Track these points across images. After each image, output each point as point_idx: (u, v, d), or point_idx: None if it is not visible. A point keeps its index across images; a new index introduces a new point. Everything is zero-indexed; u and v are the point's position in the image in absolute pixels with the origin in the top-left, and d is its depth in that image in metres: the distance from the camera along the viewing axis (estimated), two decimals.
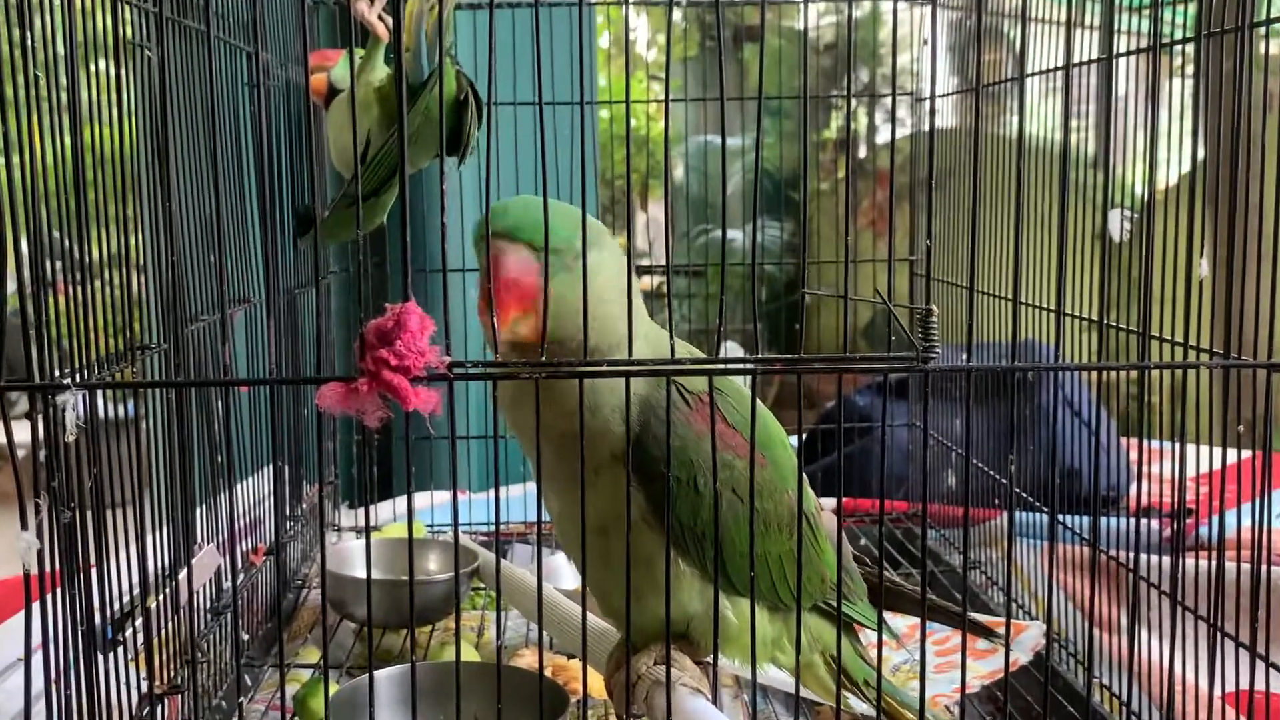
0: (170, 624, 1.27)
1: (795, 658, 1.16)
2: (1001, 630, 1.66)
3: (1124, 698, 1.45)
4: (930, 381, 1.06)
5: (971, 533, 2.07)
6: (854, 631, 1.33)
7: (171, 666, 1.29)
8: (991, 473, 1.98)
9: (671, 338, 1.07)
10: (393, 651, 1.82)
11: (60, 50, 1.04)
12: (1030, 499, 1.90)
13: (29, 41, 0.98)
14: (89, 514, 1.06)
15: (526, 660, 1.71)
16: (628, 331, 1.04)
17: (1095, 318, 1.27)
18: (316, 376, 0.99)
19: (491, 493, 2.45)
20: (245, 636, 1.65)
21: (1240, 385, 1.23)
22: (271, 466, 1.76)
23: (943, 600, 1.93)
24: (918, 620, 1.46)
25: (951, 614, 1.40)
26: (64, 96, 1.03)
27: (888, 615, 1.35)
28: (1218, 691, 1.25)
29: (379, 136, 1.71)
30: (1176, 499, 1.23)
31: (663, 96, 1.10)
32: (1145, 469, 1.35)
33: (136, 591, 1.20)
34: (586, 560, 1.15)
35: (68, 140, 1.03)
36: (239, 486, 1.66)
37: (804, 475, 1.17)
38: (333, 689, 1.39)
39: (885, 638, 1.26)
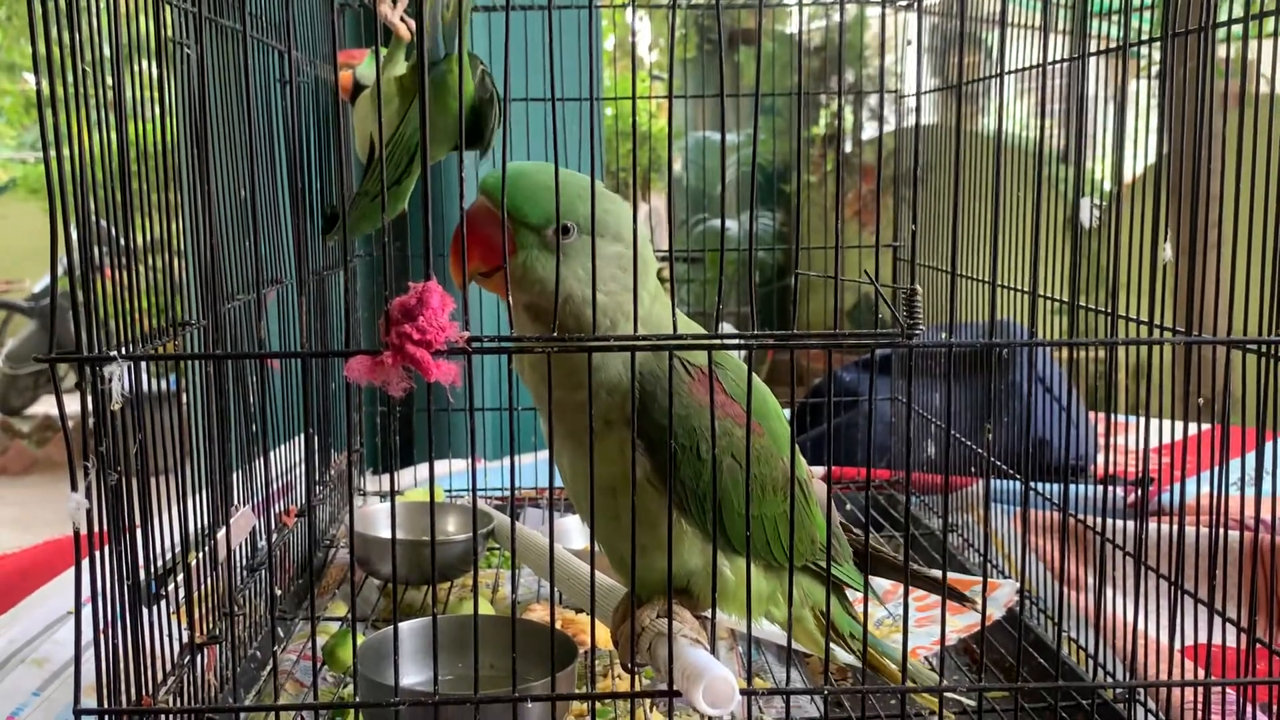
0: (209, 579, 1.27)
1: (788, 611, 1.16)
2: (972, 592, 1.66)
3: (1091, 650, 1.45)
4: (913, 357, 1.06)
5: (950, 498, 2.07)
6: (841, 590, 1.33)
7: (210, 619, 1.29)
8: (969, 443, 1.98)
9: (674, 313, 1.06)
10: (414, 605, 1.82)
11: (106, 50, 1.03)
12: (1005, 467, 1.90)
13: (77, 42, 0.98)
14: (134, 478, 1.06)
15: (538, 614, 1.71)
16: (601, 320, 1.05)
17: (1066, 299, 1.27)
18: (345, 350, 0.99)
19: (506, 460, 2.45)
20: (278, 591, 1.66)
21: (1200, 362, 1.22)
22: (302, 435, 1.76)
23: (924, 566, 1.93)
24: (898, 581, 1.46)
25: (930, 579, 1.39)
26: (109, 93, 1.03)
27: (871, 579, 1.35)
28: (1178, 645, 1.25)
29: (392, 126, 1.70)
30: (1140, 468, 1.22)
31: (664, 94, 1.10)
32: (1111, 440, 1.35)
33: (178, 549, 1.20)
34: (595, 517, 1.15)
35: (113, 134, 1.03)
36: (273, 454, 1.66)
37: (797, 444, 1.17)
38: (359, 640, 1.39)
39: (867, 594, 1.26)
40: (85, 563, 1.01)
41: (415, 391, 0.98)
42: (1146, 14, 1.55)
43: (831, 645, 1.29)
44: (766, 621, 1.30)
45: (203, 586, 1.25)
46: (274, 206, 1.65)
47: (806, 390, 3.08)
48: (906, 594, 1.13)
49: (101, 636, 1.04)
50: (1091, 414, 2.45)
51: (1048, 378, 2.34)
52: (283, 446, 1.75)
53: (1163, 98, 1.18)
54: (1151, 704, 1.33)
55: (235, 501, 1.37)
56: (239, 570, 1.44)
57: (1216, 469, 1.18)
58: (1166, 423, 1.39)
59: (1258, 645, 1.19)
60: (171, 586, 1.18)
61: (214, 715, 1.24)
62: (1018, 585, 1.65)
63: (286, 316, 1.72)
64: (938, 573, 1.50)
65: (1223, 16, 1.21)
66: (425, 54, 0.96)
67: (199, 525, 1.26)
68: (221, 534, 1.29)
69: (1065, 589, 1.24)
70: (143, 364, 1.05)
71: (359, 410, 2.30)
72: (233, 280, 1.40)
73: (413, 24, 1.72)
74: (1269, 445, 1.38)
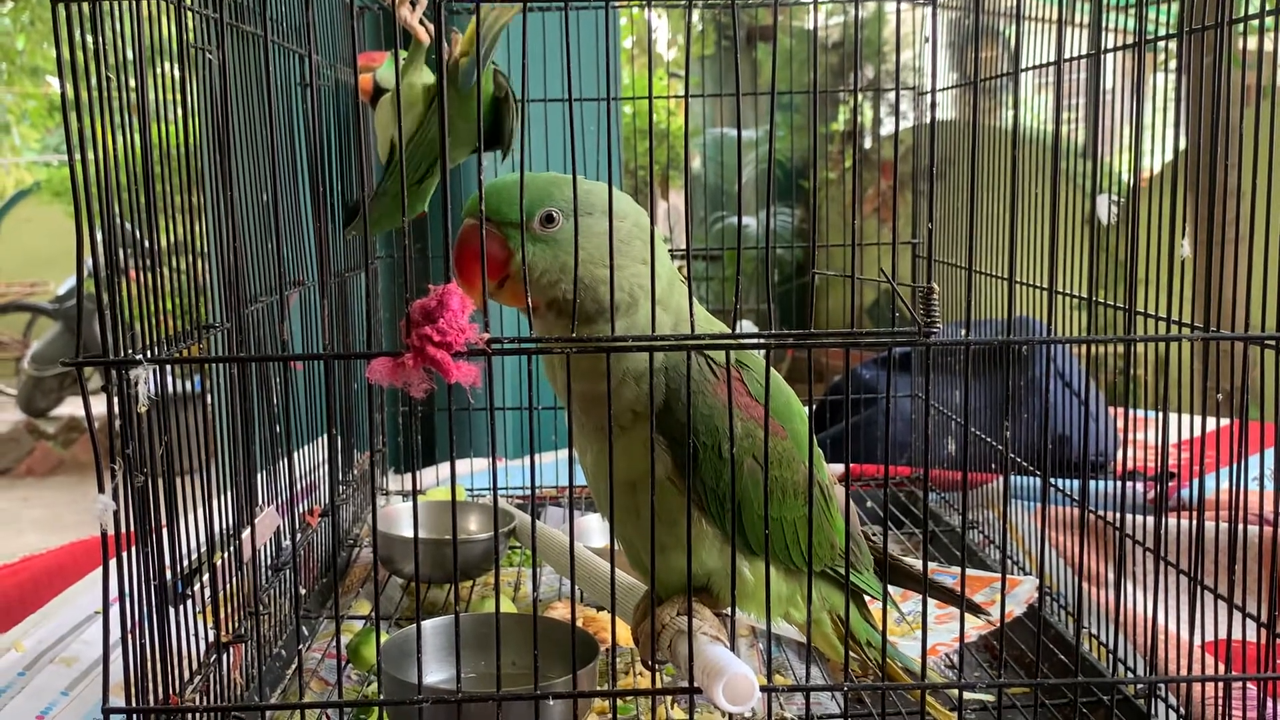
0: (234, 579, 1.28)
1: (807, 614, 1.16)
2: (991, 589, 1.66)
3: (1110, 646, 1.45)
4: (931, 355, 1.06)
5: (970, 495, 2.07)
6: (860, 596, 1.32)
7: (236, 618, 1.30)
8: (988, 439, 1.97)
9: (692, 311, 1.06)
10: (437, 604, 1.83)
11: (129, 55, 1.04)
12: (1024, 464, 1.90)
13: (100, 46, 0.99)
14: (160, 479, 1.07)
15: (559, 612, 1.72)
16: (618, 295, 1.06)
17: (1085, 295, 1.27)
18: (367, 352, 0.99)
19: (526, 459, 2.46)
20: (303, 591, 1.67)
21: (1219, 357, 1.22)
22: (326, 435, 1.77)
23: (944, 564, 1.92)
24: (916, 591, 1.45)
25: (947, 590, 1.37)
26: (133, 97, 1.04)
27: (890, 589, 1.34)
28: (1198, 640, 1.25)
29: (412, 130, 1.71)
30: (1160, 463, 1.22)
31: (682, 93, 1.10)
32: (1131, 436, 1.35)
33: (204, 550, 1.21)
34: (616, 514, 1.15)
35: (137, 137, 1.04)
36: (296, 454, 1.67)
37: (819, 446, 1.17)
38: (383, 638, 1.40)
39: (886, 605, 1.25)
40: (112, 563, 1.02)
41: (436, 392, 0.98)
42: (1164, 6, 1.54)
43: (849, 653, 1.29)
44: (785, 623, 1.30)
45: (228, 586, 1.27)
46: (295, 209, 1.66)
47: (825, 388, 3.08)
48: (926, 588, 1.13)
49: (129, 636, 1.05)
50: (1111, 410, 2.44)
51: (1067, 373, 2.33)
52: (306, 447, 1.76)
53: (1180, 92, 1.18)
54: (1172, 699, 1.32)
55: (260, 502, 1.38)
56: (264, 570, 1.45)
57: (1236, 464, 1.18)
58: (1186, 418, 1.39)
59: (1278, 640, 1.19)
60: (197, 586, 1.19)
61: (240, 714, 1.25)
62: (1037, 581, 1.64)
63: (309, 318, 1.73)
64: (954, 580, 1.49)
65: (1240, 11, 1.21)
66: (445, 60, 0.96)
67: (224, 525, 1.27)
68: (246, 534, 1.30)
69: (1085, 585, 1.24)
70: (168, 367, 1.06)
71: (381, 410, 2.32)
72: (256, 282, 1.41)
73: (432, 28, 1.73)
74: None
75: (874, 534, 1.65)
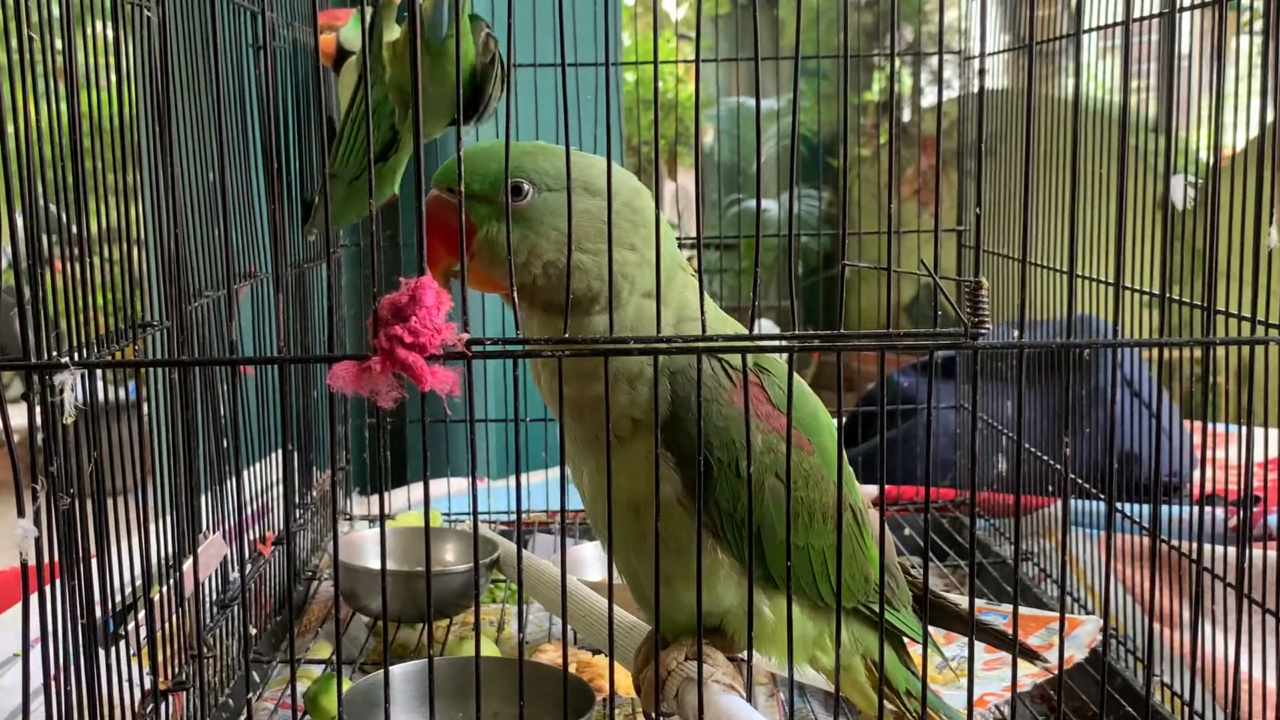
0: (175, 617, 1.28)
1: (835, 658, 1.16)
2: (1049, 630, 1.66)
3: (1186, 696, 1.44)
4: (979, 360, 1.06)
5: (1023, 522, 2.07)
6: (897, 637, 1.32)
7: (176, 662, 1.30)
8: (1045, 458, 1.97)
9: (703, 308, 1.06)
10: (408, 646, 1.83)
11: (55, 11, 1.04)
12: (1086, 485, 1.90)
13: (21, 2, 0.99)
14: (89, 501, 1.07)
15: (549, 656, 1.72)
16: (593, 285, 1.06)
17: (1157, 291, 1.27)
18: (327, 355, 0.99)
19: (512, 479, 2.46)
20: (253, 630, 1.67)
21: None
22: (280, 451, 1.77)
23: (994, 601, 1.92)
24: (961, 634, 1.45)
25: (997, 633, 1.36)
26: (59, 60, 1.04)
27: (932, 630, 1.34)
28: None
29: (379, 98, 1.71)
30: (1243, 486, 1.22)
31: (692, 56, 1.10)
32: (1210, 454, 1.34)
33: (139, 583, 1.21)
34: (616, 542, 1.14)
35: (64, 106, 1.04)
36: (246, 472, 1.67)
37: (850, 465, 1.16)
38: (346, 686, 1.40)
39: (926, 649, 1.25)
40: (34, 598, 1.02)
41: (408, 401, 0.98)
42: None
43: (885, 704, 1.29)
44: (811, 669, 1.29)
45: (168, 625, 1.26)
46: (247, 190, 1.66)
47: (857, 397, 3.08)
48: (973, 629, 1.13)
49: (53, 682, 1.05)
50: (1186, 423, 2.44)
51: (1136, 381, 2.33)
52: (258, 464, 1.76)
53: (1267, 57, 1.18)
54: None
55: (204, 528, 1.38)
56: (208, 606, 1.45)
57: None
58: (1273, 433, 1.39)
59: None
60: (132, 625, 1.19)
61: None
62: (1101, 622, 1.64)
63: (261, 316, 1.73)
64: (1005, 620, 1.48)
65: None
66: (419, 16, 0.96)
67: (163, 555, 1.27)
68: (188, 565, 1.30)
69: (1156, 625, 1.24)
70: (99, 371, 1.06)
71: (344, 423, 2.32)
72: (200, 275, 1.41)
73: None
74: None
75: (913, 566, 1.65)
